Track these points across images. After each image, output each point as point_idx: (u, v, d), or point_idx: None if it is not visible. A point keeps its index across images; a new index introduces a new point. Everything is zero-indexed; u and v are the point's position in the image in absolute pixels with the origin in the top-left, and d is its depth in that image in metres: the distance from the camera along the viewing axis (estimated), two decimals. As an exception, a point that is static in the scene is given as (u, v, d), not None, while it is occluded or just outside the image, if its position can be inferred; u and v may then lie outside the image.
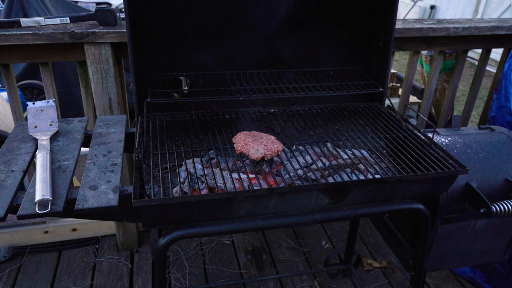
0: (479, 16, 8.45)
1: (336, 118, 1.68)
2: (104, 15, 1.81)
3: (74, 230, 2.39)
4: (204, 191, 1.17)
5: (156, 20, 1.56)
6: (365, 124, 1.64)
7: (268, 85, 1.61)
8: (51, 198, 0.99)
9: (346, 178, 1.26)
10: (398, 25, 2.12)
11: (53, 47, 1.82)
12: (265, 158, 1.29)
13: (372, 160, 1.37)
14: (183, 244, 2.49)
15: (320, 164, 1.32)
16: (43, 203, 0.98)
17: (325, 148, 1.44)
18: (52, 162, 1.19)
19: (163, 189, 1.13)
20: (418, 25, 2.16)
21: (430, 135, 1.44)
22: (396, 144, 1.46)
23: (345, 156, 1.36)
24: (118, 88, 1.93)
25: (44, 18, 1.78)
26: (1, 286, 2.13)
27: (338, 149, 1.41)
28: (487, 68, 2.70)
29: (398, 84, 4.15)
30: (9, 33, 1.68)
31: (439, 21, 2.32)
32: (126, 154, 2.00)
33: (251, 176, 1.25)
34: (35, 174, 1.08)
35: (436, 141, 1.56)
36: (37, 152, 1.20)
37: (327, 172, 1.28)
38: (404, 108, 1.76)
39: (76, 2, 6.58)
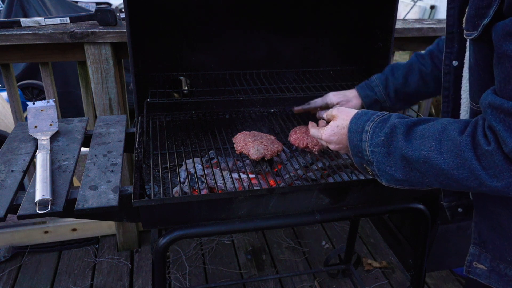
0: (479, 16, 8.42)
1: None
2: (104, 15, 1.81)
3: (74, 230, 2.39)
4: (204, 191, 1.17)
5: (156, 20, 1.56)
6: (365, 124, 1.64)
7: (268, 85, 1.61)
8: (51, 198, 0.99)
9: (346, 178, 1.26)
10: (398, 25, 2.12)
11: (53, 47, 1.82)
12: (265, 158, 1.29)
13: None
14: (183, 244, 2.49)
15: (320, 164, 1.31)
16: (43, 203, 0.98)
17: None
18: (52, 162, 1.19)
19: (163, 189, 1.13)
20: (418, 25, 2.16)
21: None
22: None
23: (345, 156, 1.36)
24: (118, 88, 1.93)
25: (44, 18, 1.78)
26: (1, 286, 2.13)
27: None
28: (487, 68, 2.70)
29: (398, 84, 4.14)
30: (9, 33, 1.68)
31: (439, 21, 2.31)
32: (126, 154, 2.00)
33: (251, 176, 1.25)
34: (35, 174, 1.08)
35: (436, 141, 1.56)
36: (37, 152, 1.20)
37: (327, 172, 1.28)
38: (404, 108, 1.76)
39: (76, 2, 6.58)
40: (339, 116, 1.02)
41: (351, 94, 1.37)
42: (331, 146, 1.06)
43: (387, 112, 0.93)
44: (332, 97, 1.39)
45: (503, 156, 0.71)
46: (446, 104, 0.97)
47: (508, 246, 0.87)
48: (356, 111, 0.98)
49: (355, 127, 0.93)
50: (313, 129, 1.13)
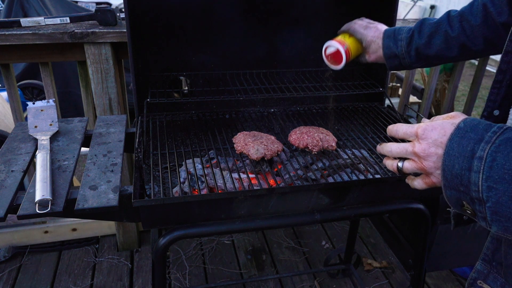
0: (479, 16, 8.43)
1: (336, 118, 1.68)
2: (104, 15, 1.81)
3: (74, 230, 2.39)
4: (204, 191, 1.17)
5: (156, 20, 1.56)
6: (365, 124, 1.64)
7: (268, 85, 1.61)
8: (51, 198, 0.99)
9: (346, 178, 1.26)
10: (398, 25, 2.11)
11: (53, 47, 1.82)
12: (265, 158, 1.29)
13: (372, 160, 1.37)
14: (183, 244, 2.49)
15: (320, 164, 1.31)
16: (43, 203, 0.98)
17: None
18: (52, 162, 1.19)
19: (163, 189, 1.13)
20: (418, 25, 2.16)
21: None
22: (396, 144, 1.46)
23: (345, 156, 1.36)
24: (118, 88, 1.93)
25: (44, 18, 1.78)
26: (1, 286, 2.13)
27: (338, 149, 1.41)
28: (487, 68, 2.70)
29: (398, 84, 4.16)
30: (9, 33, 1.68)
31: (439, 21, 2.31)
32: (126, 154, 2.00)
33: (251, 176, 1.25)
34: (35, 174, 1.08)
35: (436, 141, 1.56)
36: (37, 152, 1.20)
37: (327, 172, 1.28)
38: (404, 108, 1.76)
39: (76, 2, 6.58)
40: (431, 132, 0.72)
41: (376, 35, 1.31)
42: (426, 164, 0.74)
43: (504, 125, 0.64)
44: (357, 28, 1.34)
45: None
46: (496, 91, 0.81)
47: None
48: (457, 122, 0.69)
49: (459, 148, 0.65)
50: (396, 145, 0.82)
